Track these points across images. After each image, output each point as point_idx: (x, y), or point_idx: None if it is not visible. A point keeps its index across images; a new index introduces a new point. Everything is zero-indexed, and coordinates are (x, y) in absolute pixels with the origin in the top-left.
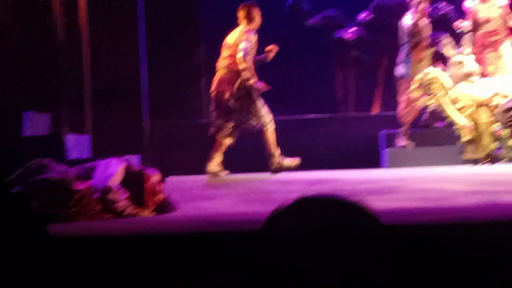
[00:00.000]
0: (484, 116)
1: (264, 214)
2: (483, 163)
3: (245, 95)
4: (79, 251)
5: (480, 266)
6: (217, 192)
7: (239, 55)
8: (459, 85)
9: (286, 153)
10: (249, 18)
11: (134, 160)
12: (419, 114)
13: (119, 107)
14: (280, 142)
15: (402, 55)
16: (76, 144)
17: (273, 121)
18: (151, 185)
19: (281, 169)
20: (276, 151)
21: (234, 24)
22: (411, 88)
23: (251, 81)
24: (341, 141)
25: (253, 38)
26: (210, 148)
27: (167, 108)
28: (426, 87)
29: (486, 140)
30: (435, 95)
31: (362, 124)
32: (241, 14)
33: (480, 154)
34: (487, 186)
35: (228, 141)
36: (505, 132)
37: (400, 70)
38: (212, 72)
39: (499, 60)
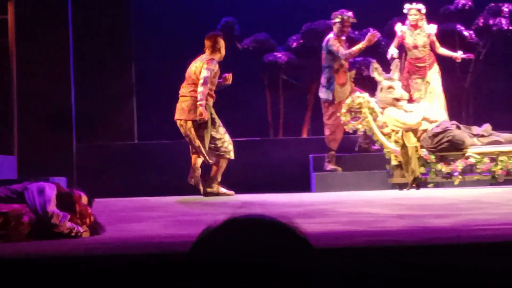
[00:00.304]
0: (412, 141)
1: (193, 236)
2: (411, 187)
3: (206, 122)
4: (6, 274)
5: None
6: (145, 214)
7: (200, 82)
8: (387, 110)
9: (236, 173)
10: (215, 48)
11: (61, 182)
12: (355, 138)
13: (47, 128)
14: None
15: (324, 78)
16: (2, 165)
17: (231, 151)
18: (83, 206)
19: (215, 195)
20: (219, 178)
21: (167, 44)
22: (341, 112)
23: (201, 103)
24: (272, 165)
25: (215, 67)
26: (141, 169)
27: (96, 129)
28: (355, 112)
29: (414, 164)
30: (364, 119)
31: (293, 148)
32: (207, 43)
33: (408, 179)
34: (414, 210)
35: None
36: (432, 157)
37: (323, 93)
38: (145, 92)
39: (426, 86)
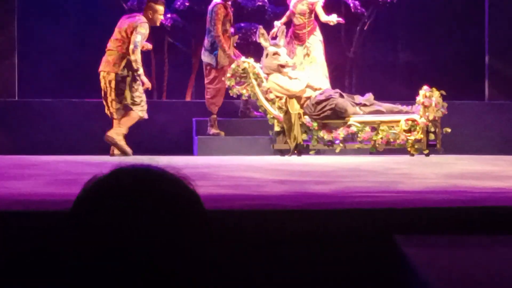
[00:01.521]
0: (295, 108)
1: (73, 195)
2: (293, 154)
3: (126, 78)
4: None
5: (289, 252)
6: (25, 172)
7: (131, 46)
8: (272, 76)
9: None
10: (150, 12)
11: None
12: (239, 103)
13: None
14: (101, 123)
15: (207, 42)
16: None
17: (145, 111)
18: None
19: (115, 144)
20: (125, 130)
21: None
22: (225, 76)
23: (140, 72)
24: (156, 127)
25: (146, 31)
26: (23, 127)
27: None
28: (240, 77)
29: (296, 131)
30: (249, 85)
31: (176, 110)
32: (145, 6)
33: (290, 145)
34: (295, 176)
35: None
36: (315, 124)
37: (206, 57)
38: (27, 50)
39: (304, 53)
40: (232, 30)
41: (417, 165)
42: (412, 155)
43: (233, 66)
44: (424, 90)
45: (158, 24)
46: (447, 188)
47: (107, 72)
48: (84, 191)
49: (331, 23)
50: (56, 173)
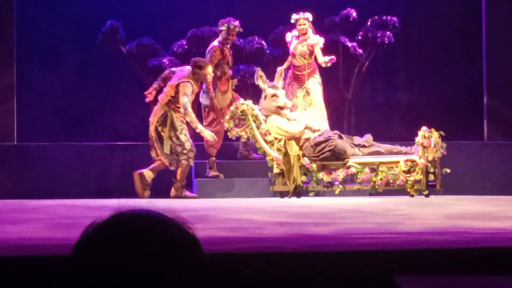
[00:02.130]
0: (294, 149)
1: (72, 239)
2: (292, 196)
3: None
4: None
5: None
6: (24, 216)
7: (182, 110)
8: (270, 118)
9: (117, 177)
10: (197, 71)
11: None
12: (238, 145)
13: None
14: (98, 166)
15: (205, 84)
16: None
17: (191, 158)
18: None
19: (181, 197)
20: (181, 183)
21: (50, 45)
22: (224, 118)
23: (199, 130)
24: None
25: (190, 90)
26: (22, 172)
27: None
28: (239, 119)
29: (296, 172)
30: (248, 126)
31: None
32: (193, 65)
33: (290, 187)
34: (295, 218)
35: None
36: (314, 166)
37: (204, 99)
38: (25, 95)
39: (304, 94)
40: (231, 72)
41: (417, 206)
42: (412, 196)
43: (232, 108)
44: (423, 131)
45: (208, 80)
46: (447, 229)
47: (151, 123)
48: (83, 236)
49: (323, 65)
50: (56, 217)
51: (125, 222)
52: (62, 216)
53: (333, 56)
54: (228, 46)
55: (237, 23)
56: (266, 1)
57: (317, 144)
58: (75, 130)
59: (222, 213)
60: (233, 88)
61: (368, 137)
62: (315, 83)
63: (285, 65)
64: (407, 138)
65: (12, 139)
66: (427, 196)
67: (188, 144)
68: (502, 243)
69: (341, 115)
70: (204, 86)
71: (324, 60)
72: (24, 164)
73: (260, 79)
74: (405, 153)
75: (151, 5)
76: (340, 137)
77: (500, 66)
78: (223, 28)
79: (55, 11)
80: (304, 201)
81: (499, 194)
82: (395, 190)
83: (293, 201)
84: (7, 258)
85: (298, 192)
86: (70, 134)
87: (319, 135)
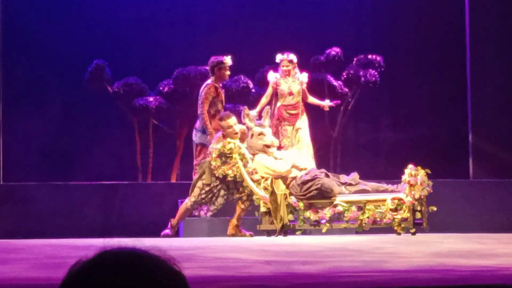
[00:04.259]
0: (281, 188)
1: (58, 278)
2: (279, 234)
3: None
4: None
5: None
6: (9, 256)
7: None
8: (257, 156)
9: (103, 217)
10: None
11: None
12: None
13: None
14: (84, 206)
15: (199, 123)
16: None
17: (215, 207)
18: None
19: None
20: (235, 222)
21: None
22: (211, 157)
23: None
24: (140, 209)
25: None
26: (7, 211)
27: None
28: (226, 157)
29: (283, 211)
30: (234, 165)
31: (161, 192)
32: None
33: (277, 225)
34: (281, 257)
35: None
36: (301, 204)
37: (198, 137)
38: (10, 137)
39: (295, 134)
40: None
41: (404, 244)
42: (399, 234)
43: (218, 146)
44: (410, 169)
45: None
46: (434, 267)
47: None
48: (69, 275)
49: (326, 109)
50: (42, 257)
51: (110, 260)
52: (48, 256)
53: (337, 102)
54: (220, 84)
55: (229, 57)
56: (252, 41)
57: (304, 182)
58: (60, 170)
59: (208, 252)
60: None
61: (355, 175)
62: (303, 122)
63: (258, 108)
64: (393, 176)
65: None
66: (413, 234)
67: (203, 192)
68: (489, 280)
69: (327, 154)
70: (198, 124)
71: (327, 104)
72: (9, 204)
73: (247, 118)
74: (392, 191)
75: (137, 44)
76: (327, 176)
77: (485, 105)
78: (222, 65)
79: (41, 49)
80: (291, 239)
81: (485, 231)
82: (382, 228)
83: (280, 239)
84: None
85: (285, 230)
86: (55, 174)
87: (306, 174)
